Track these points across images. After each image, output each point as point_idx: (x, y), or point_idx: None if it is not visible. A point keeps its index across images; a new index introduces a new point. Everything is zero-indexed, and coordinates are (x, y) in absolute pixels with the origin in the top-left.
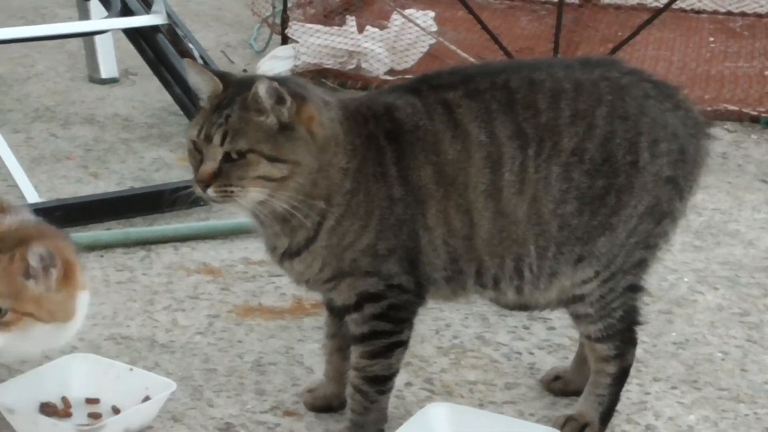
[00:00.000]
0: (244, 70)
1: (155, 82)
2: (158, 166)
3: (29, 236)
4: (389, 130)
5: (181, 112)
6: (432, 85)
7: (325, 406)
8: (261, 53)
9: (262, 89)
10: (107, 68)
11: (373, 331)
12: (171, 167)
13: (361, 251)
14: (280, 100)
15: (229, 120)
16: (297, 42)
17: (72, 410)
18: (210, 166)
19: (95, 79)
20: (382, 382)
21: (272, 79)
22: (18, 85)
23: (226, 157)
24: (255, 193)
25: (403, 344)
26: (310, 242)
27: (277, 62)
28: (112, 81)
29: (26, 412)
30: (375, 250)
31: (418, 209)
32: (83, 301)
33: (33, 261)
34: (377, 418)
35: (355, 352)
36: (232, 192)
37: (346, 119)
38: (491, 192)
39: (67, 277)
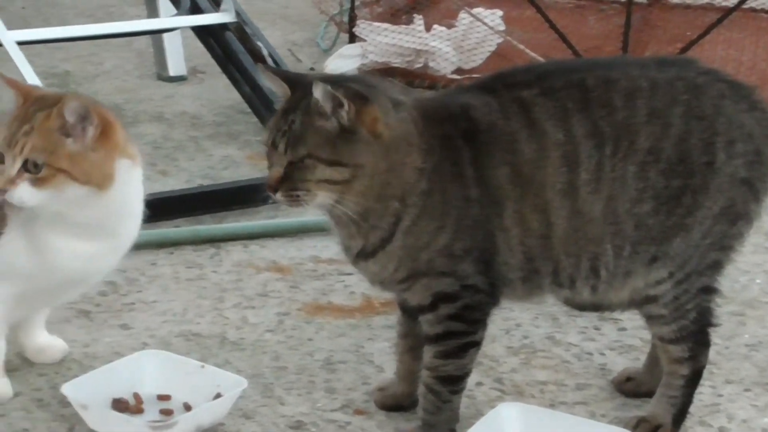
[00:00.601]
0: (311, 69)
1: (223, 80)
2: (227, 164)
3: (68, 96)
4: (466, 130)
5: (249, 110)
6: (507, 83)
7: (395, 404)
8: (328, 52)
9: (318, 93)
10: (175, 66)
11: (448, 332)
12: (239, 165)
13: (436, 252)
14: (337, 104)
15: (293, 126)
16: (364, 40)
17: (144, 406)
18: (276, 171)
19: (163, 76)
20: (454, 382)
21: (332, 80)
22: (87, 82)
23: (291, 162)
24: (322, 197)
25: (477, 344)
26: (385, 243)
27: (344, 61)
28: (180, 79)
29: (99, 407)
30: (451, 251)
31: (494, 210)
32: (126, 169)
33: (69, 117)
34: (449, 418)
35: (428, 352)
36: (298, 196)
37: (422, 118)
38: (568, 191)
39: (106, 138)
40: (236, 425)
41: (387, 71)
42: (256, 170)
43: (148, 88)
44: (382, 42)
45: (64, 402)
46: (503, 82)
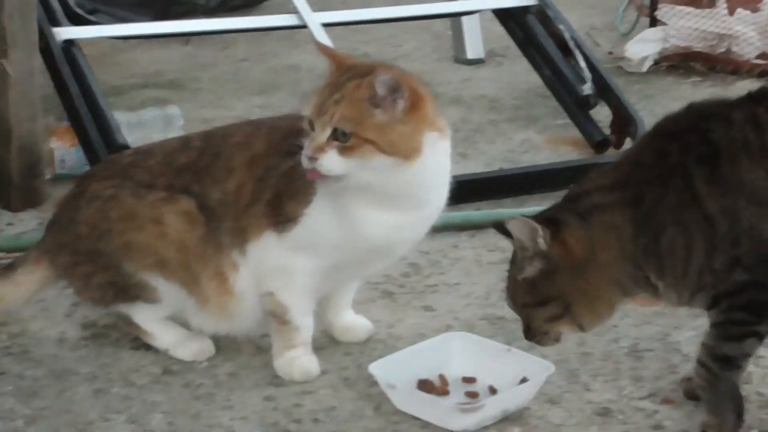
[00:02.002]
0: (610, 53)
1: (521, 64)
2: (526, 147)
3: (380, 66)
4: (701, 154)
5: (548, 94)
6: None
7: None
8: (627, 36)
9: (514, 227)
10: (473, 49)
11: (730, 319)
12: (539, 149)
13: (697, 272)
14: (533, 233)
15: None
16: (666, 24)
17: (449, 388)
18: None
19: (461, 59)
20: (726, 361)
21: (530, 219)
22: None
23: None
24: (567, 331)
25: (758, 335)
26: (656, 292)
27: (644, 45)
28: (478, 62)
29: (406, 388)
30: (712, 268)
31: (763, 212)
32: (434, 142)
33: (379, 89)
34: (731, 399)
35: (708, 335)
36: (545, 338)
37: (624, 187)
38: None
39: (415, 111)
40: (542, 410)
41: (688, 56)
42: (556, 154)
43: (446, 71)
44: (684, 26)
45: (370, 381)
46: None
